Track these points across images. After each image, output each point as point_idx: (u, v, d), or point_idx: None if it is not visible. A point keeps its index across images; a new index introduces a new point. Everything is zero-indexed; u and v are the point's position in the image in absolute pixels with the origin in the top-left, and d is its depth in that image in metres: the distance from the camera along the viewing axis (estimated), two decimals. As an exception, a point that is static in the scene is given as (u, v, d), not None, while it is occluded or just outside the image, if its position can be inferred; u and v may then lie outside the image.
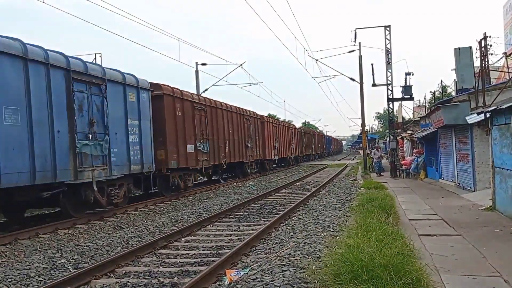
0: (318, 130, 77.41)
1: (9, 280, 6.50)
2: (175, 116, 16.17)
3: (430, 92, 35.15)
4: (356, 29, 27.24)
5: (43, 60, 10.02)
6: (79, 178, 10.85)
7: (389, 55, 24.69)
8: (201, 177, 21.93)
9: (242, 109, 24.77)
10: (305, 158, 49.03)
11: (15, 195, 9.63)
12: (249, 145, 25.40)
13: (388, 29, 24.83)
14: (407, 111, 41.37)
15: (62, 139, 10.37)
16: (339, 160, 57.94)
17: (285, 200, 15.28)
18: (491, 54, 20.62)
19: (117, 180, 12.61)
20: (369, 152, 33.69)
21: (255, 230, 9.70)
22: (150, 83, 14.84)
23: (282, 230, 9.59)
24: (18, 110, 9.20)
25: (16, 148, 9.05)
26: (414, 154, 23.33)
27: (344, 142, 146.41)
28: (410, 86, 24.81)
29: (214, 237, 9.63)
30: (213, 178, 23.26)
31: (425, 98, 32.28)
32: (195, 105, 18.06)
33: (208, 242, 9.05)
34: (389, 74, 24.78)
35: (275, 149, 32.08)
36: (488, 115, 10.53)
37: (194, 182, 18.64)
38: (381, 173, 25.85)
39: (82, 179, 10.94)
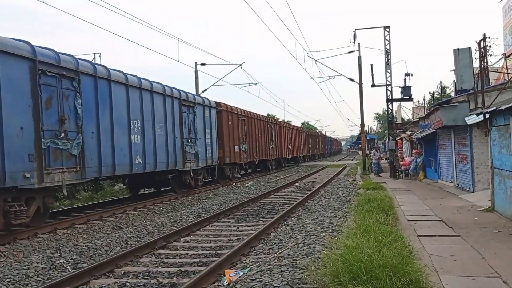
0: (317, 131, 77.76)
1: (8, 280, 6.49)
2: (228, 125, 22.34)
3: (429, 93, 35.18)
4: (355, 29, 27.27)
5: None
6: (185, 167, 17.07)
7: (389, 55, 24.70)
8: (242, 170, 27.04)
9: (266, 117, 31.27)
10: (310, 157, 54.88)
11: (156, 176, 16.07)
12: (271, 146, 31.75)
13: (387, 29, 24.84)
14: (406, 111, 41.35)
15: (177, 142, 16.56)
16: (338, 160, 58.01)
17: (284, 201, 15.28)
18: (490, 55, 20.69)
19: (200, 169, 18.61)
20: (368, 152, 33.70)
21: (254, 230, 9.70)
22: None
23: (281, 230, 9.59)
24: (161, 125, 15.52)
25: (162, 148, 15.43)
26: (413, 154, 23.35)
27: (343, 143, 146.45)
28: (410, 87, 24.82)
29: (213, 237, 9.63)
30: (248, 171, 28.87)
31: (424, 99, 32.30)
32: (239, 116, 24.42)
33: (207, 243, 9.05)
34: (388, 74, 24.79)
35: (289, 149, 38.25)
36: (487, 116, 10.53)
37: (237, 175, 24.26)
38: (380, 174, 25.86)
39: (186, 168, 17.18)
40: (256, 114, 28.67)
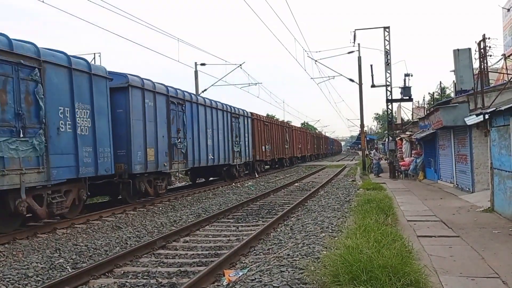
0: (317, 131, 78.02)
1: (7, 279, 6.48)
2: (258, 130, 28.27)
3: (429, 93, 35.18)
4: (355, 30, 27.29)
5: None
6: (234, 162, 23.15)
7: (388, 56, 24.71)
8: (267, 166, 33.15)
9: (283, 121, 38.11)
10: (315, 156, 60.38)
11: (217, 168, 21.82)
12: (286, 147, 36.98)
13: (387, 30, 24.85)
14: (406, 112, 41.37)
15: (229, 143, 22.95)
16: (338, 161, 58.00)
17: (284, 201, 15.28)
18: (490, 55, 20.64)
19: (241, 164, 24.67)
20: (367, 153, 33.72)
21: (253, 230, 9.69)
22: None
23: (281, 230, 9.59)
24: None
25: (222, 148, 21.45)
26: (413, 155, 23.36)
27: (343, 143, 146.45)
28: (409, 87, 24.84)
29: (212, 237, 9.62)
30: (266, 167, 33.19)
31: (424, 99, 32.33)
32: (265, 123, 30.77)
33: (206, 243, 9.05)
34: (388, 75, 24.80)
35: (299, 148, 44.09)
36: (487, 116, 10.54)
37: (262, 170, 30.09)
38: (380, 174, 25.87)
39: (234, 162, 23.19)
40: (276, 119, 37.17)
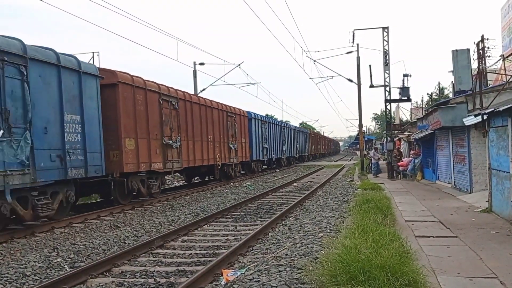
0: (316, 131, 78.19)
1: (5, 278, 6.47)
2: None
3: (428, 94, 35.26)
4: (354, 30, 27.33)
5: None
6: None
7: (387, 56, 24.73)
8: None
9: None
10: (321, 155, 66.14)
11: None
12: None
13: (386, 30, 24.88)
14: (404, 112, 41.40)
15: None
16: (336, 161, 58.04)
17: (282, 201, 15.28)
18: (489, 56, 20.65)
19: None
20: (366, 153, 33.74)
21: (252, 230, 9.69)
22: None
23: (279, 230, 9.59)
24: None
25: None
26: (411, 155, 23.38)
27: (341, 143, 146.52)
28: (408, 88, 24.87)
29: (211, 237, 9.62)
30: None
31: (422, 100, 32.38)
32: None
33: (204, 242, 9.04)
34: (386, 75, 24.82)
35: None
36: (485, 117, 10.55)
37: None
38: (378, 175, 25.89)
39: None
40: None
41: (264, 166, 34.24)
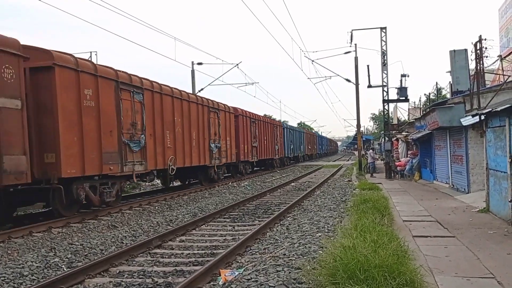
0: (313, 131, 78.30)
1: (2, 278, 6.45)
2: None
3: (425, 94, 35.33)
4: (352, 30, 27.38)
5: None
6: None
7: (385, 56, 24.77)
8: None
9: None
10: (319, 155, 68.07)
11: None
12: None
13: (384, 30, 24.91)
14: (402, 112, 41.49)
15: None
16: (334, 161, 58.11)
17: (280, 201, 15.28)
18: (486, 56, 20.77)
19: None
20: (363, 153, 33.78)
21: (250, 230, 9.69)
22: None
23: (277, 230, 9.59)
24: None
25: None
26: (409, 155, 23.42)
27: (339, 143, 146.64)
28: (406, 88, 24.91)
29: (208, 237, 9.61)
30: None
31: (420, 100, 32.43)
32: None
33: (202, 242, 9.03)
34: (384, 75, 24.86)
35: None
36: (482, 117, 10.57)
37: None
38: (375, 175, 25.93)
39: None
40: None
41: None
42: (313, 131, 78.25)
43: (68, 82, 10.93)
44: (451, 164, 16.35)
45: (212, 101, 20.94)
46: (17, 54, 9.34)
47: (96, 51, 21.12)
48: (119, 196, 13.53)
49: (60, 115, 10.55)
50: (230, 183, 22.11)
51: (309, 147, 56.32)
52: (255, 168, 31.94)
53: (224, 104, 22.44)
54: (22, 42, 9.74)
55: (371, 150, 29.66)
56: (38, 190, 10.57)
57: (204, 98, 20.36)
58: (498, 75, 21.80)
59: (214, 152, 20.65)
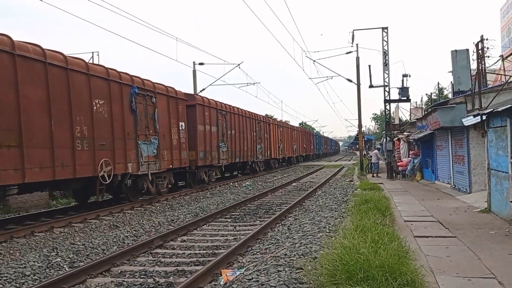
0: (315, 131, 78.27)
1: (4, 278, 6.48)
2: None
3: (427, 94, 35.31)
4: (353, 30, 27.37)
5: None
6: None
7: (386, 56, 24.74)
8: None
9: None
10: (324, 154, 72.95)
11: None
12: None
13: (385, 30, 24.89)
14: (403, 112, 41.43)
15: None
16: (336, 161, 58.07)
17: (281, 201, 15.29)
18: (488, 56, 20.72)
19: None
20: (365, 153, 33.74)
21: (251, 230, 9.70)
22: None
23: (278, 230, 9.60)
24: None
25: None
26: (410, 155, 23.40)
27: (340, 143, 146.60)
28: (407, 88, 24.89)
29: (210, 236, 9.63)
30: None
31: (421, 100, 32.40)
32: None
33: (204, 242, 9.05)
34: (386, 75, 24.84)
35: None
36: (484, 117, 10.56)
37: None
38: (378, 174, 25.91)
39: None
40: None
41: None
42: (315, 131, 78.17)
43: (200, 112, 19.09)
44: (452, 164, 16.34)
45: (258, 115, 29.02)
46: (183, 99, 17.39)
47: (98, 51, 21.06)
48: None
49: (197, 131, 18.87)
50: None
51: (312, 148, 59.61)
52: (275, 165, 35.78)
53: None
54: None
55: (376, 150, 29.59)
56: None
57: (254, 113, 27.08)
58: (499, 75, 21.76)
59: (258, 151, 27.93)
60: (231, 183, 22.18)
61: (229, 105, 23.73)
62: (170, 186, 16.62)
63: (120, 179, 13.26)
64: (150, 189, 14.80)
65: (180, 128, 17.18)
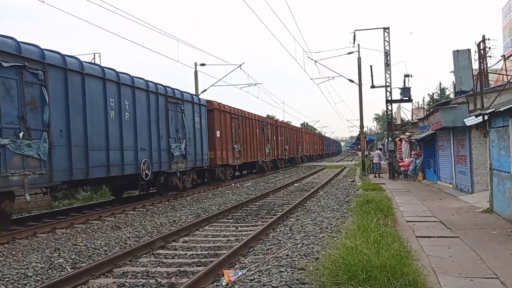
0: (317, 132, 78.28)
1: (7, 279, 6.49)
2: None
3: (429, 94, 35.28)
4: (355, 30, 27.36)
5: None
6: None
7: (388, 57, 24.72)
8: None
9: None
10: (327, 155, 75.53)
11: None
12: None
13: (387, 31, 24.87)
14: (405, 112, 41.49)
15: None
16: (338, 161, 58.06)
17: (283, 201, 15.29)
18: (490, 56, 20.69)
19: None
20: (367, 153, 33.72)
21: (253, 231, 9.70)
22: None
23: (280, 231, 9.60)
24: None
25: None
26: (412, 156, 23.37)
27: (342, 144, 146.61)
28: (409, 88, 24.88)
29: (212, 237, 9.63)
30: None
31: (423, 100, 32.36)
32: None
33: (206, 243, 9.05)
34: (387, 76, 24.81)
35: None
36: (486, 117, 10.55)
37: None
38: (379, 175, 25.88)
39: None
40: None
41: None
42: (317, 131, 78.20)
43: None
44: (454, 165, 16.31)
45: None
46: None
47: (99, 53, 21.12)
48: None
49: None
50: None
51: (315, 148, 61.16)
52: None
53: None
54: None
55: (378, 150, 29.55)
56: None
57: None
58: (501, 75, 21.73)
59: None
60: (236, 184, 22.19)
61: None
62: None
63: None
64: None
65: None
